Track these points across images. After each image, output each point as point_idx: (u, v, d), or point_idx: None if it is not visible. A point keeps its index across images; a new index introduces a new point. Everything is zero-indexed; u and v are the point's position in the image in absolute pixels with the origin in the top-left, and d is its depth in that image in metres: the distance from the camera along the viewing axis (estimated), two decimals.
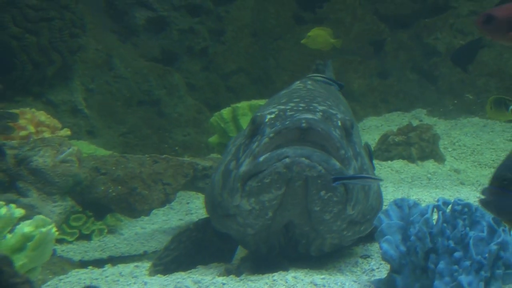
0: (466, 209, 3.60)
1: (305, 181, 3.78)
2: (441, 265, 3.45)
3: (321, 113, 4.14)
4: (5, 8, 7.82)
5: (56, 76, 8.49)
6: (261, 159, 3.84)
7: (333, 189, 3.83)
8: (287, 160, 3.76)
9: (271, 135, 3.90)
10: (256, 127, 4.09)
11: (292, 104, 4.24)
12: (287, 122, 3.95)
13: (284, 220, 3.97)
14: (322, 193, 3.82)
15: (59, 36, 8.28)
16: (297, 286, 3.60)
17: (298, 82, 5.15)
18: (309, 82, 5.13)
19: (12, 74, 7.90)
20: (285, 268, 3.98)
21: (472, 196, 6.32)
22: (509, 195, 2.48)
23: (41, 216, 3.73)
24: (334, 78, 5.72)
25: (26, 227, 3.60)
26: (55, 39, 8.25)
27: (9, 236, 3.55)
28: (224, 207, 4.13)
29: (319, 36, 8.24)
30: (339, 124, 4.16)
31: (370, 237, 4.40)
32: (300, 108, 4.17)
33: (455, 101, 9.62)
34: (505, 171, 2.54)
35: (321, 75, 5.34)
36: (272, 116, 4.10)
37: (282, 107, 4.21)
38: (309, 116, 4.02)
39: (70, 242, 5.99)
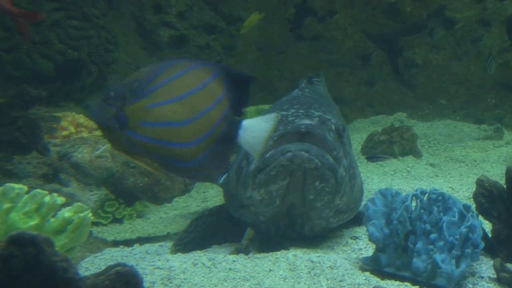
0: (440, 198, 3.59)
1: (304, 172, 3.78)
2: (419, 245, 3.44)
3: (317, 118, 4.13)
4: (51, 28, 7.83)
5: (93, 85, 8.49)
6: (267, 155, 3.83)
7: (326, 180, 3.83)
8: (289, 154, 3.75)
9: (275, 138, 3.89)
10: None
11: (292, 110, 4.23)
12: (289, 127, 3.95)
13: (288, 203, 3.97)
14: (317, 183, 3.83)
15: (96, 51, 8.28)
16: (296, 263, 3.59)
17: (297, 90, 5.14)
18: (306, 90, 5.11)
19: (57, 83, 7.91)
20: (286, 248, 3.97)
21: (445, 186, 6.30)
22: (105, 107, 2.57)
23: (79, 203, 3.73)
24: (325, 85, 5.75)
25: (66, 213, 3.60)
26: (93, 54, 8.26)
27: (52, 220, 3.55)
28: (238, 199, 4.13)
29: (249, 20, 8.38)
30: (333, 128, 4.15)
31: (358, 221, 4.39)
32: (300, 114, 4.16)
33: (431, 106, 9.60)
34: (111, 90, 2.60)
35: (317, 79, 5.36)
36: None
37: (284, 113, 4.19)
38: (308, 121, 4.02)
39: (104, 225, 5.97)
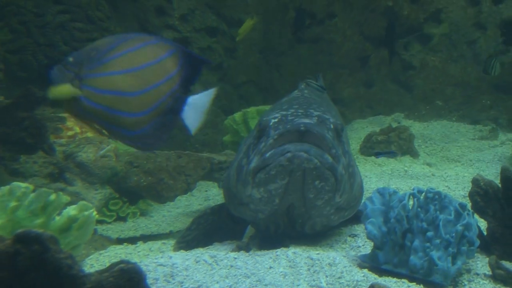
0: (436, 196, 3.59)
1: (304, 172, 3.77)
2: (416, 242, 3.43)
3: (316, 118, 4.11)
4: (56, 30, 7.82)
5: None
6: (267, 155, 3.82)
7: (325, 179, 3.82)
8: (289, 154, 3.75)
9: (275, 136, 3.88)
10: (262, 130, 4.07)
11: (292, 110, 4.21)
12: (288, 126, 3.93)
13: (287, 203, 3.95)
14: (317, 182, 3.81)
15: None
16: (296, 260, 3.58)
17: (296, 91, 5.13)
18: (306, 91, 5.10)
19: None
20: (287, 245, 3.96)
21: (441, 185, 6.29)
22: (64, 72, 2.65)
23: (84, 202, 3.73)
24: (324, 86, 5.77)
25: (71, 211, 3.60)
26: None
27: (57, 218, 3.55)
28: (238, 197, 4.12)
29: (244, 27, 8.37)
30: (332, 127, 4.13)
31: (357, 220, 4.38)
32: (299, 114, 4.14)
33: (428, 107, 9.59)
34: (70, 56, 2.69)
35: (313, 82, 5.37)
36: (276, 120, 4.08)
37: (284, 112, 4.18)
38: (307, 120, 4.00)
39: (109, 223, 5.97)
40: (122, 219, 6.13)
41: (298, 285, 3.32)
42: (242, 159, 4.12)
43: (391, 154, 6.42)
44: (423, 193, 3.61)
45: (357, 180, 4.33)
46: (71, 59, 2.68)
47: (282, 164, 3.76)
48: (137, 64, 2.75)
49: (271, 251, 3.80)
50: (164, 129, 2.89)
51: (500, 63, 7.87)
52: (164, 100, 2.81)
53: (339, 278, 3.39)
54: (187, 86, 2.89)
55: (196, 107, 2.90)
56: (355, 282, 3.33)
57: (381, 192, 3.80)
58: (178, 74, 2.85)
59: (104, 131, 2.77)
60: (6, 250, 1.72)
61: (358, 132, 9.07)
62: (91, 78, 2.67)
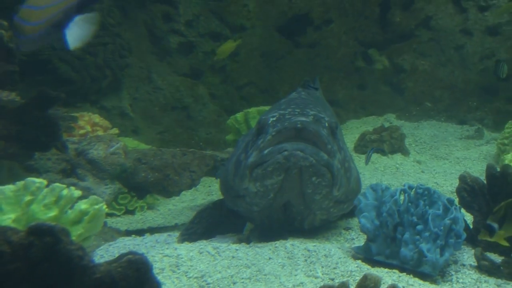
0: (426, 192, 3.59)
1: (300, 170, 3.77)
2: (407, 235, 3.43)
3: (312, 116, 4.11)
4: None
5: (108, 87, 8.48)
6: (265, 152, 3.82)
7: (322, 175, 3.82)
8: (285, 153, 3.75)
9: (273, 133, 3.89)
10: (261, 127, 4.07)
11: (289, 110, 4.21)
12: (286, 123, 3.93)
13: (283, 200, 3.95)
14: (313, 178, 3.81)
15: (111, 56, 8.27)
16: (294, 252, 3.58)
17: (294, 93, 5.12)
18: (303, 93, 5.10)
19: (74, 85, 7.90)
20: (285, 238, 3.95)
21: (431, 181, 6.30)
22: None
23: (94, 196, 3.72)
24: (317, 86, 5.81)
25: (83, 205, 3.59)
26: (108, 59, 8.24)
27: (69, 211, 3.54)
28: (235, 190, 4.11)
29: (223, 48, 8.28)
30: (327, 125, 4.13)
31: (351, 214, 4.38)
32: (296, 113, 4.14)
33: (418, 108, 9.58)
34: None
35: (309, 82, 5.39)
36: (274, 118, 4.08)
37: (282, 111, 4.18)
38: (303, 119, 4.00)
39: (118, 216, 5.98)
40: (131, 212, 6.13)
41: (295, 275, 3.32)
42: (241, 155, 4.12)
43: (372, 151, 6.40)
44: (414, 189, 3.61)
45: (354, 174, 4.32)
46: None
47: (279, 161, 3.76)
48: None
49: (270, 243, 3.80)
50: (52, 36, 3.28)
51: (507, 66, 7.84)
52: (55, 15, 3.19)
53: (334, 268, 3.38)
54: (81, 9, 3.23)
55: (81, 26, 3.21)
56: (349, 272, 3.32)
57: (374, 188, 3.80)
58: None
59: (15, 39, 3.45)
60: (20, 242, 1.72)
61: (352, 131, 9.06)
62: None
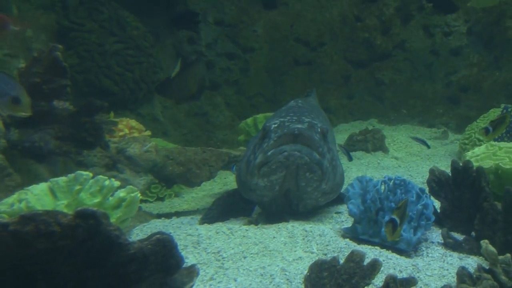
0: (402, 183, 3.58)
1: (297, 166, 3.80)
2: (386, 218, 3.40)
3: (307, 123, 4.11)
4: (112, 56, 7.80)
5: (144, 98, 8.47)
6: (269, 153, 3.86)
7: (314, 171, 3.85)
8: (285, 153, 3.79)
9: (275, 138, 3.91)
10: (266, 133, 4.08)
11: (288, 117, 4.22)
12: (285, 130, 3.95)
13: (285, 189, 3.96)
14: (307, 174, 3.85)
15: (146, 73, 8.26)
16: (294, 232, 3.57)
17: (292, 101, 5.11)
18: (300, 101, 5.08)
19: (116, 97, 7.90)
20: (287, 220, 3.95)
21: (406, 174, 6.24)
22: None
23: (131, 186, 3.71)
24: (316, 98, 5.78)
25: (121, 193, 3.59)
26: (143, 75, 8.23)
27: (110, 198, 3.53)
28: (248, 184, 4.10)
29: None
30: (319, 130, 4.12)
31: (341, 201, 4.35)
32: (294, 120, 4.15)
33: (395, 114, 9.55)
34: None
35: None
36: (276, 125, 4.09)
37: (282, 119, 4.19)
38: (299, 126, 4.01)
39: (150, 202, 5.95)
40: (161, 199, 6.11)
41: (295, 251, 3.30)
42: (250, 155, 4.13)
43: (344, 149, 6.36)
44: (392, 180, 3.59)
45: (339, 171, 4.32)
46: None
47: (280, 160, 3.79)
48: None
49: (274, 224, 3.79)
50: None
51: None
52: None
53: (327, 245, 3.36)
54: None
55: None
56: (339, 249, 3.30)
57: (359, 179, 3.81)
58: None
59: None
60: (69, 223, 1.70)
61: (342, 133, 9.02)
62: None
